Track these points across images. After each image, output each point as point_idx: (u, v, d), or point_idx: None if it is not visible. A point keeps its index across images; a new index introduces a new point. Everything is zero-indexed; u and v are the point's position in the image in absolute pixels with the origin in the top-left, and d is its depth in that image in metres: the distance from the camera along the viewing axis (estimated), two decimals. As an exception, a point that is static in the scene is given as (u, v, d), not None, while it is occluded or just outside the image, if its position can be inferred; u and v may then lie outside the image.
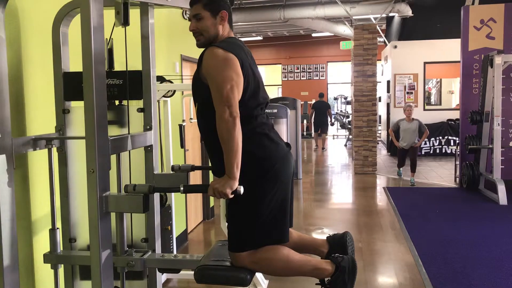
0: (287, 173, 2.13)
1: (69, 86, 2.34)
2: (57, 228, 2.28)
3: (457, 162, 8.10)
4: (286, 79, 18.22)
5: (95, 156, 1.84)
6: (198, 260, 2.23)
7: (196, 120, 2.32)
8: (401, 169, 8.60)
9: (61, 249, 2.33)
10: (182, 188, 1.96)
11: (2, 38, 1.96)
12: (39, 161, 2.42)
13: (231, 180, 1.91)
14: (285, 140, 7.67)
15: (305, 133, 16.06)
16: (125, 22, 2.25)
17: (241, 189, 1.92)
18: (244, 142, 1.97)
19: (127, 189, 1.95)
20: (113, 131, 2.44)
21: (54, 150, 2.32)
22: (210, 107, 2.00)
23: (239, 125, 1.90)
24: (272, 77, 19.26)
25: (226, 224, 3.45)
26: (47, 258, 2.29)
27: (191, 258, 2.28)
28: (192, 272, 4.18)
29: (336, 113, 16.96)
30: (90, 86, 1.84)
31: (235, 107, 1.90)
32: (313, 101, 14.67)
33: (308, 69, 18.02)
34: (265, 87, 2.25)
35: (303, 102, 15.21)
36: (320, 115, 13.34)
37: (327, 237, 2.38)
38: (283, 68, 18.23)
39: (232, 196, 1.92)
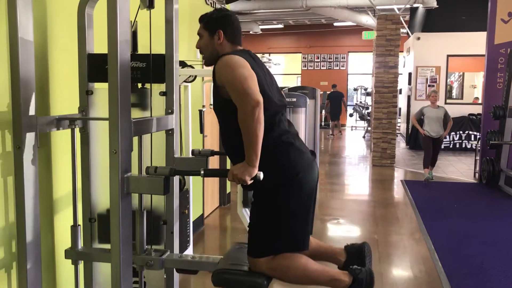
0: (311, 182, 2.14)
1: (93, 67, 2.36)
2: (79, 225, 2.33)
3: (477, 157, 7.99)
4: (306, 68, 18.11)
5: (118, 137, 1.87)
6: (215, 262, 2.25)
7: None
8: (427, 173, 7.45)
9: (82, 245, 2.37)
10: (202, 172, 1.97)
11: (30, 18, 1.98)
12: (61, 141, 2.46)
13: (250, 167, 1.92)
14: (303, 130, 7.59)
15: (323, 123, 15.99)
16: (150, 5, 2.25)
17: (261, 175, 1.92)
18: (269, 151, 2.01)
19: (149, 171, 1.97)
20: (135, 114, 2.46)
21: (77, 131, 2.35)
22: (231, 122, 2.01)
23: (259, 114, 1.88)
24: (291, 66, 19.15)
25: (243, 209, 3.47)
26: (68, 253, 2.33)
27: (208, 260, 2.30)
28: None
29: (356, 104, 16.82)
30: (114, 68, 1.86)
31: (254, 94, 1.89)
32: (326, 91, 15.37)
33: (329, 58, 17.88)
34: (281, 92, 2.25)
35: (322, 92, 15.12)
36: (336, 104, 14.48)
37: (345, 246, 2.38)
38: (303, 57, 18.11)
39: (251, 181, 1.93)
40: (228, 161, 2.24)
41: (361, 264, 2.26)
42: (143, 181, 1.95)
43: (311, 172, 2.13)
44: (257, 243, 2.11)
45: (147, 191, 1.98)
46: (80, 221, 2.37)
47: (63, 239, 2.53)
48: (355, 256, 2.31)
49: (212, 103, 2.31)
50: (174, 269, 2.44)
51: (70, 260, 2.34)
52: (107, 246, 2.26)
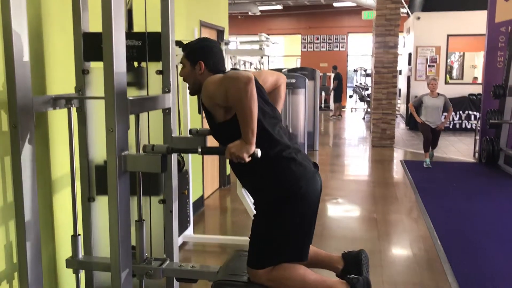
0: (314, 196, 2.14)
1: (89, 46, 2.34)
2: (79, 235, 2.33)
3: (477, 137, 7.98)
4: (306, 49, 17.98)
5: (114, 116, 1.86)
6: (215, 272, 2.26)
7: None
8: (428, 158, 7.22)
9: (83, 254, 2.38)
10: (200, 150, 1.97)
11: (23, -4, 1.95)
12: (59, 121, 2.45)
13: (247, 144, 1.92)
14: (302, 111, 7.57)
15: (323, 105, 15.96)
16: (145, -18, 2.22)
17: (258, 152, 1.92)
18: (271, 166, 2.05)
19: (146, 149, 1.97)
20: (132, 93, 2.45)
21: (74, 110, 2.34)
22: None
23: (253, 90, 1.87)
24: (291, 48, 19.01)
25: (243, 190, 3.47)
26: (69, 263, 2.35)
27: (208, 270, 2.32)
28: (207, 236, 4.24)
29: (355, 85, 16.75)
30: (109, 46, 1.84)
31: (244, 76, 1.88)
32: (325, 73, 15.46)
33: (328, 40, 17.75)
34: (272, 106, 2.23)
35: (322, 74, 15.05)
36: (339, 85, 14.61)
37: (342, 254, 2.40)
38: (303, 39, 17.97)
39: (249, 159, 1.92)
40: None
41: (358, 272, 2.29)
42: (140, 159, 1.95)
43: (314, 186, 2.14)
44: (258, 255, 2.13)
45: (145, 169, 1.97)
46: (80, 230, 2.38)
47: (62, 220, 2.54)
48: (352, 264, 2.33)
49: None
50: (175, 279, 2.46)
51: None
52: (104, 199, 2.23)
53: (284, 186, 2.08)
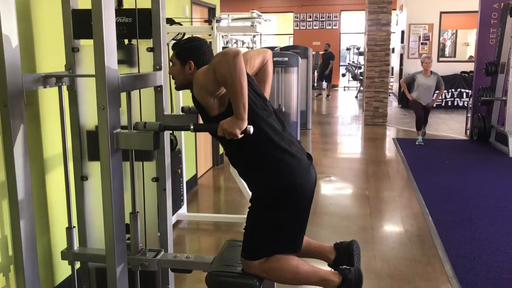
0: (308, 188, 2.15)
1: (78, 24, 2.30)
2: (74, 227, 2.32)
3: (469, 115, 8.02)
4: (298, 28, 17.83)
5: (105, 93, 1.84)
6: (209, 262, 2.28)
7: None
8: (420, 136, 7.26)
9: (78, 246, 2.36)
10: (192, 127, 1.96)
11: (9, -29, 1.91)
12: (49, 99, 2.43)
13: (239, 120, 1.91)
14: (295, 90, 7.54)
15: (315, 84, 15.91)
16: (134, -43, 2.18)
17: (251, 129, 1.91)
18: (264, 159, 2.05)
19: (138, 126, 1.96)
20: (123, 70, 2.41)
21: (65, 89, 2.31)
22: (232, 141, 2.01)
23: (241, 63, 1.86)
24: (283, 26, 18.85)
25: (235, 170, 3.48)
26: (64, 255, 2.33)
27: (203, 260, 2.32)
28: (201, 214, 4.26)
29: (348, 64, 16.70)
30: (99, 23, 1.81)
31: (231, 50, 1.86)
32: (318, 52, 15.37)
33: (321, 18, 17.59)
34: (264, 98, 2.21)
35: (314, 52, 14.96)
36: (325, 64, 14.75)
37: (334, 244, 2.43)
38: (295, 17, 17.80)
39: (242, 135, 1.92)
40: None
41: (350, 262, 2.32)
42: (132, 136, 1.94)
43: (308, 177, 2.14)
44: (252, 246, 2.15)
45: (137, 146, 1.97)
46: (75, 222, 2.38)
47: (56, 198, 2.54)
48: (344, 254, 2.37)
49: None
50: (169, 269, 2.48)
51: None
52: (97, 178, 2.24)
53: (278, 179, 2.08)
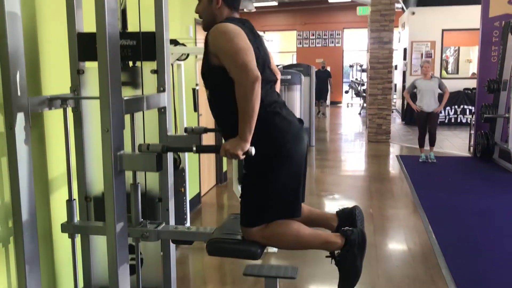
0: (300, 150, 2.14)
1: (84, 46, 2.35)
2: (74, 199, 2.34)
3: (472, 132, 8.02)
4: (301, 45, 17.99)
5: (110, 116, 1.87)
6: (210, 232, 2.27)
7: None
8: (424, 153, 7.19)
9: (78, 219, 2.39)
10: (194, 148, 1.98)
11: (17, -3, 1.96)
12: (54, 121, 2.46)
13: (242, 142, 1.93)
14: (298, 108, 7.59)
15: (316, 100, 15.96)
16: (138, -18, 2.24)
17: (252, 150, 1.93)
18: (257, 121, 1.99)
19: (141, 148, 1.98)
20: (127, 92, 2.46)
21: (69, 110, 2.35)
22: (222, 91, 2.01)
23: (258, 89, 1.88)
24: (287, 44, 19.01)
25: (239, 187, 3.49)
26: (64, 227, 2.35)
27: (204, 231, 2.32)
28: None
29: (351, 81, 16.78)
30: (103, 46, 1.85)
31: (254, 70, 1.88)
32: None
33: (324, 35, 17.75)
34: (272, 66, 2.23)
35: (317, 69, 15.05)
36: (324, 83, 14.13)
37: (336, 211, 2.40)
38: (298, 35, 17.97)
39: (244, 157, 1.94)
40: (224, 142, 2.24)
41: (353, 227, 2.27)
42: (136, 158, 1.96)
43: (299, 140, 2.13)
44: (249, 212, 2.13)
45: (141, 168, 1.99)
46: (75, 195, 2.39)
47: (59, 217, 2.56)
48: (347, 219, 2.32)
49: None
50: (170, 241, 2.47)
51: (67, 235, 2.37)
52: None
53: (268, 141, 2.06)
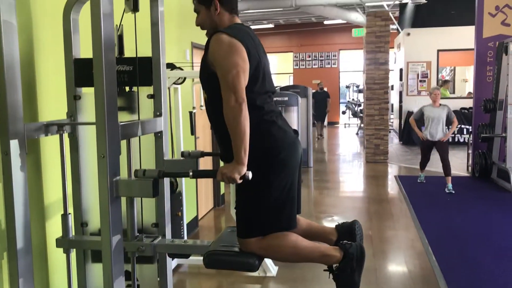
0: (295, 160, 2.14)
1: (80, 72, 2.36)
2: (69, 214, 2.31)
3: (470, 151, 8.02)
4: (298, 67, 18.13)
5: (106, 142, 1.87)
6: (207, 245, 2.24)
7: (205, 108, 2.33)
8: (423, 173, 7.10)
9: (73, 234, 2.36)
10: (191, 173, 1.97)
11: (14, 24, 1.98)
12: (51, 147, 2.45)
13: (239, 165, 1.93)
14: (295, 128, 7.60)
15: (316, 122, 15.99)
16: (134, 8, 2.26)
17: (249, 174, 1.93)
18: (251, 130, 1.98)
19: (137, 174, 1.97)
20: (124, 117, 2.46)
21: (66, 136, 2.34)
22: (218, 95, 2.01)
23: (245, 111, 1.90)
24: (283, 66, 19.17)
25: (235, 210, 3.47)
26: (59, 242, 2.33)
27: (201, 244, 2.30)
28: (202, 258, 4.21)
29: (348, 101, 16.87)
30: (100, 72, 1.86)
31: (241, 93, 1.90)
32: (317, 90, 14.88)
33: (320, 57, 17.90)
34: (272, 77, 2.25)
35: (314, 91, 15.12)
36: (321, 104, 13.75)
37: (336, 225, 2.39)
38: (295, 56, 18.13)
39: (241, 181, 1.93)
40: (221, 162, 2.23)
41: (352, 241, 2.26)
42: (132, 184, 1.95)
43: (294, 151, 2.13)
44: (244, 223, 2.11)
45: (137, 194, 1.98)
46: (70, 209, 2.36)
47: (54, 237, 2.52)
48: (346, 234, 2.31)
49: (199, 78, 2.25)
50: (167, 254, 2.43)
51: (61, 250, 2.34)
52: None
53: (264, 150, 2.05)
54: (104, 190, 1.89)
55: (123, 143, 2.12)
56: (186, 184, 4.27)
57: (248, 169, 1.98)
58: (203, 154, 2.49)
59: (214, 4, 2.12)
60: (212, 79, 2.04)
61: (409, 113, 11.66)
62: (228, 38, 2.00)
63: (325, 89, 14.92)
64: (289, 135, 2.14)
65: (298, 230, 2.22)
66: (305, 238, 2.22)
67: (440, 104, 6.67)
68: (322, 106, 13.70)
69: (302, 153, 2.21)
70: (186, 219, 4.14)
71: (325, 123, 15.41)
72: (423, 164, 7.00)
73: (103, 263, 1.95)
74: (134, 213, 2.21)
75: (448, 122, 6.68)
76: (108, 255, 1.92)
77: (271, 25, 17.13)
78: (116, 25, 2.44)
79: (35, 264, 2.24)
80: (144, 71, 2.37)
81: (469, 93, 13.65)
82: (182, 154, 2.52)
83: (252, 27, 16.70)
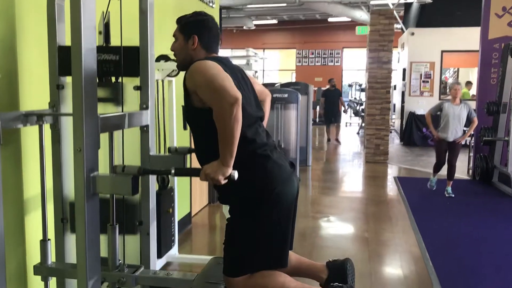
0: (289, 196, 2.04)
1: (64, 60, 2.24)
2: (49, 240, 2.21)
3: (471, 154, 7.90)
4: (300, 64, 18.01)
5: (83, 134, 1.75)
6: (191, 280, 2.16)
7: None
8: (435, 178, 6.48)
9: (52, 260, 2.24)
10: (173, 171, 1.86)
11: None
12: (32, 138, 2.34)
13: (224, 167, 1.81)
14: (294, 127, 7.47)
15: (317, 119, 15.87)
16: (121, -6, 2.14)
17: (235, 174, 1.81)
18: (245, 164, 1.90)
19: (116, 169, 1.86)
20: (110, 109, 2.35)
21: (47, 127, 2.23)
22: (205, 133, 1.94)
23: (238, 113, 1.77)
24: (286, 62, 19.04)
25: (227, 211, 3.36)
26: (37, 270, 2.21)
27: (184, 278, 2.21)
28: (193, 256, 4.10)
29: (350, 100, 16.74)
30: (78, 60, 1.75)
31: (232, 90, 1.77)
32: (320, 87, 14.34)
33: (323, 54, 17.79)
34: (256, 102, 2.14)
35: (316, 88, 15.00)
36: (331, 104, 12.12)
37: (327, 263, 2.29)
38: (298, 53, 18.01)
39: (226, 181, 1.82)
40: None
41: (343, 282, 2.17)
42: (109, 180, 1.84)
43: (290, 186, 2.03)
44: (232, 261, 2.02)
45: (115, 191, 1.87)
46: (50, 204, 2.24)
47: (35, 243, 2.42)
48: (337, 273, 2.22)
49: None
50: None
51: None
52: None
53: (257, 185, 1.95)
54: (80, 186, 1.78)
55: (105, 136, 2.01)
56: (178, 179, 4.15)
57: (240, 204, 1.93)
58: (190, 151, 2.37)
59: (192, 38, 2.08)
60: (196, 114, 1.95)
61: (411, 114, 11.56)
62: (203, 61, 1.94)
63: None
64: (285, 169, 2.03)
65: (288, 267, 2.12)
66: (294, 275, 2.14)
67: (461, 101, 6.14)
68: (335, 105, 12.02)
69: (299, 186, 2.11)
70: (178, 216, 4.03)
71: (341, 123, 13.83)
72: (438, 167, 6.37)
73: (78, 262, 1.84)
74: (116, 242, 2.11)
75: (467, 122, 6.17)
76: (83, 252, 1.82)
77: (274, 21, 17.00)
78: (103, 12, 2.33)
79: (9, 253, 2.14)
80: (130, 61, 2.25)
81: (473, 95, 13.52)
82: (169, 149, 2.41)
83: (255, 22, 16.57)
